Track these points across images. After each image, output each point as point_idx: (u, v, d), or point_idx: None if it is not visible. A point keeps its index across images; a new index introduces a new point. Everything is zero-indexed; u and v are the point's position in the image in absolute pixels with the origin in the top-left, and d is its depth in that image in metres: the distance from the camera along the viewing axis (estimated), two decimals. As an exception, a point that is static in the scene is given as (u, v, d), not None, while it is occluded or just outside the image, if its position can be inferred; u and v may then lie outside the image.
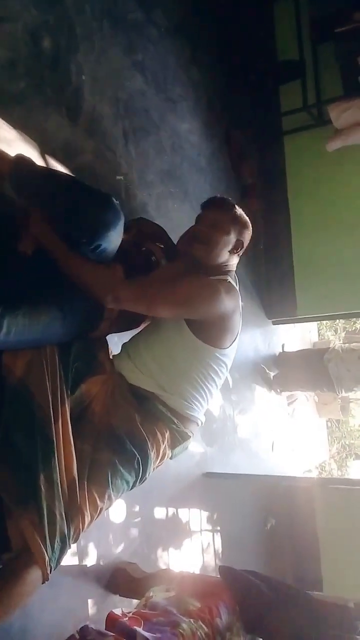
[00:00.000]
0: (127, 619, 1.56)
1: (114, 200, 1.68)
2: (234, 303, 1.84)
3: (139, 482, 1.81)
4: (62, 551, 1.54)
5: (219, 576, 1.93)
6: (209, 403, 1.98)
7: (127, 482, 1.74)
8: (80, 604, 2.00)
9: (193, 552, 2.77)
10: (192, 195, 3.09)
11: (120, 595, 2.14)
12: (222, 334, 1.85)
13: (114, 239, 1.72)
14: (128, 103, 2.60)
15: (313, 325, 5.84)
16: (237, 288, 1.93)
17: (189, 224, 2.26)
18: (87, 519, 1.61)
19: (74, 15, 2.27)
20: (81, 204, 1.68)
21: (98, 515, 1.67)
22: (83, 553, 2.06)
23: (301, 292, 3.96)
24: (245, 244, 1.97)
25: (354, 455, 8.08)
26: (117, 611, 1.60)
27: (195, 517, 2.85)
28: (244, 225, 1.96)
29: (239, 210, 1.97)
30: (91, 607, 2.03)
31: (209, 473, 2.98)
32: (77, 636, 1.47)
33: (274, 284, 4.04)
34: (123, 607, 2.14)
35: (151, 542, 2.46)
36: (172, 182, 2.94)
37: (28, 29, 2.02)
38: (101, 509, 1.67)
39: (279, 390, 4.16)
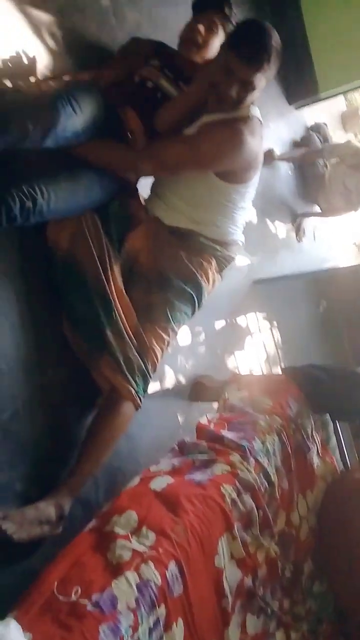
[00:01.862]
0: (213, 425, 1.87)
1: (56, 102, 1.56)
2: (258, 141, 1.81)
3: (198, 309, 2.00)
4: (146, 382, 1.81)
5: (282, 375, 2.21)
6: (244, 223, 2.07)
7: (186, 313, 1.95)
8: (171, 418, 2.36)
9: (256, 350, 3.08)
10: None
11: (201, 401, 2.50)
12: (247, 173, 1.87)
13: (72, 121, 1.61)
14: None
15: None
16: (259, 115, 1.85)
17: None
18: (159, 352, 1.86)
19: None
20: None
21: (167, 346, 1.91)
22: (163, 378, 2.37)
23: (320, 66, 3.64)
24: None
25: None
26: (204, 420, 1.90)
27: (252, 320, 3.10)
28: (274, 67, 1.73)
29: (270, 52, 1.68)
30: (180, 418, 2.40)
31: (259, 280, 3.15)
32: (176, 448, 1.79)
33: (290, 62, 3.65)
34: (206, 411, 2.52)
35: (218, 353, 2.76)
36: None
37: None
38: (168, 342, 1.90)
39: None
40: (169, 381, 2.39)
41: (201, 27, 1.96)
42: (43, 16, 1.96)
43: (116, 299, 1.79)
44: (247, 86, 1.71)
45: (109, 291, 1.78)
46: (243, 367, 2.90)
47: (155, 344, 1.84)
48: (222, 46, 1.79)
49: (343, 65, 3.59)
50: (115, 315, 1.77)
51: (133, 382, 1.76)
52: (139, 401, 1.79)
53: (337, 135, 4.94)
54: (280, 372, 2.26)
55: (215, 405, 2.51)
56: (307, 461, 2.06)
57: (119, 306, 1.79)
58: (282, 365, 3.20)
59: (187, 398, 2.45)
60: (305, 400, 2.06)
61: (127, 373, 1.75)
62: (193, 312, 1.99)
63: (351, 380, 2.07)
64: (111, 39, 2.25)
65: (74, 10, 2.10)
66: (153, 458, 2.14)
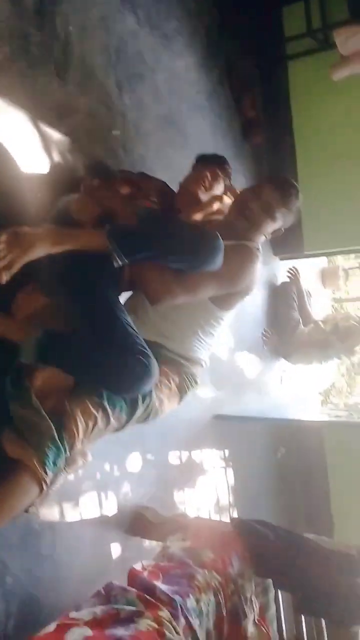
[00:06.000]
0: (146, 573, 1.72)
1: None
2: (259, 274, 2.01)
3: (141, 409, 1.78)
4: (58, 454, 1.56)
5: (230, 524, 2.09)
6: (209, 349, 2.08)
7: (125, 401, 1.73)
8: (104, 550, 2.18)
9: (207, 490, 2.95)
10: (192, 138, 3.00)
11: (140, 537, 2.33)
12: (236, 300, 1.98)
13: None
14: (120, 49, 2.46)
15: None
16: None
17: (189, 170, 2.20)
18: (81, 424, 1.62)
19: None
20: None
21: (94, 425, 1.66)
22: (103, 504, 2.21)
23: (308, 228, 3.87)
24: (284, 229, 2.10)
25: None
26: (138, 566, 1.75)
27: (208, 457, 3.00)
28: (293, 214, 2.06)
29: (297, 198, 2.04)
30: (114, 551, 2.22)
31: (219, 415, 3.10)
32: (102, 592, 1.61)
33: (280, 220, 3.95)
34: (143, 549, 2.35)
35: (167, 485, 2.63)
36: (170, 128, 2.84)
37: (8, -16, 1.89)
38: (96, 420, 1.66)
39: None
40: (110, 508, 2.24)
41: (209, 175, 2.12)
42: (53, 134, 2.06)
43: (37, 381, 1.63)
44: (263, 221, 1.97)
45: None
46: (190, 507, 2.75)
47: (79, 413, 1.62)
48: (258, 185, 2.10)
49: (329, 231, 3.85)
50: (25, 390, 1.60)
51: (40, 449, 1.52)
52: (42, 472, 1.51)
53: (316, 289, 5.19)
54: (228, 521, 2.14)
55: (154, 544, 2.35)
56: (242, 627, 1.88)
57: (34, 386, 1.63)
58: (232, 513, 3.06)
59: (125, 530, 2.28)
60: (249, 560, 1.93)
61: (29, 439, 1.53)
62: (134, 409, 1.75)
63: (298, 547, 1.96)
64: (116, 167, 2.36)
65: (84, 134, 2.21)
66: (76, 593, 1.95)
